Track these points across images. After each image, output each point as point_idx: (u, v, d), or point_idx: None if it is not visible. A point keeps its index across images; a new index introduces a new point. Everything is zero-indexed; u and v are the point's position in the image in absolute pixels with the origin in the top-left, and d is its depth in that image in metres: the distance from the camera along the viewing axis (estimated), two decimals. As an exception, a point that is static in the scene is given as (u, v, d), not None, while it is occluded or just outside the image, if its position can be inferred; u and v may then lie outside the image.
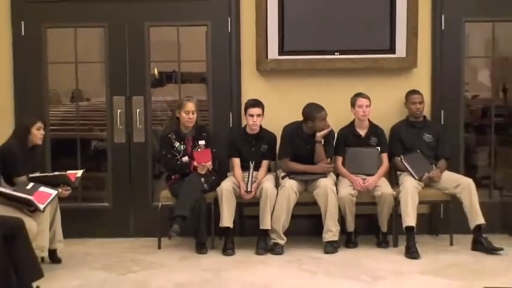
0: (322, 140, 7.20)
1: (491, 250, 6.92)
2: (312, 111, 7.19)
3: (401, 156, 7.30)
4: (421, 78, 7.68)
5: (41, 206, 6.14)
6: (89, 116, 8.09)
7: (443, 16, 7.65)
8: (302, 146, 7.29)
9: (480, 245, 7.00)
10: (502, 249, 6.91)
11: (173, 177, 7.35)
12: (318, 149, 7.21)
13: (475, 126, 8.07)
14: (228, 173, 7.41)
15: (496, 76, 8.01)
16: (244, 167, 7.34)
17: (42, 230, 6.22)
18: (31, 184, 6.37)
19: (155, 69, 7.96)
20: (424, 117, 7.54)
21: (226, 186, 7.13)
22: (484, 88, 8.06)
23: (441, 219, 7.64)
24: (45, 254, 6.44)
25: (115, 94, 7.84)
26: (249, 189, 7.14)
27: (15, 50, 7.75)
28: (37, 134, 6.79)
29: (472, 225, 7.02)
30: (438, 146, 7.45)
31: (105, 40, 7.81)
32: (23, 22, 7.71)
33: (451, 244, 7.27)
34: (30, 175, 6.62)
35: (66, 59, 7.86)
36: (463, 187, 7.09)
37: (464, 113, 7.88)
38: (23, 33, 7.73)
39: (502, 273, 6.26)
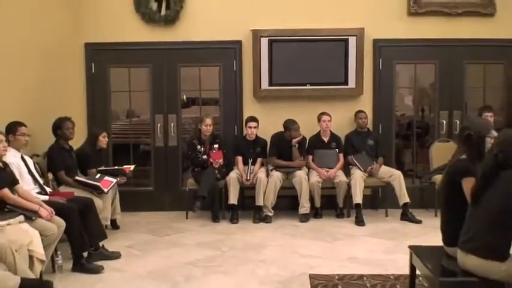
0: (297, 144, 7.23)
1: (414, 220, 6.94)
2: (289, 125, 7.24)
3: (352, 156, 7.32)
4: (365, 102, 7.67)
5: (105, 190, 6.15)
6: (138, 127, 8.06)
7: (380, 60, 7.66)
8: (284, 149, 7.28)
9: (406, 217, 7.02)
10: (421, 221, 6.92)
11: (196, 169, 7.32)
12: (294, 151, 7.23)
13: (402, 135, 8.06)
14: (233, 167, 7.37)
15: (417, 101, 7.99)
16: (245, 163, 7.35)
17: (106, 206, 6.20)
18: (99, 175, 6.37)
19: (184, 96, 7.92)
20: (368, 128, 7.53)
21: (232, 176, 7.13)
22: (409, 109, 8.05)
23: (379, 198, 7.62)
24: (108, 223, 6.39)
25: (156, 113, 7.80)
26: (248, 178, 7.15)
27: (88, 82, 7.71)
28: (103, 140, 6.78)
29: (400, 203, 7.04)
30: (377, 148, 7.46)
31: (150, 75, 7.78)
32: (93, 63, 7.68)
33: (386, 216, 7.27)
34: (98, 168, 6.61)
35: (123, 88, 7.81)
36: (394, 177, 7.11)
37: (395, 126, 7.88)
38: (93, 71, 7.69)
39: (421, 236, 6.27)
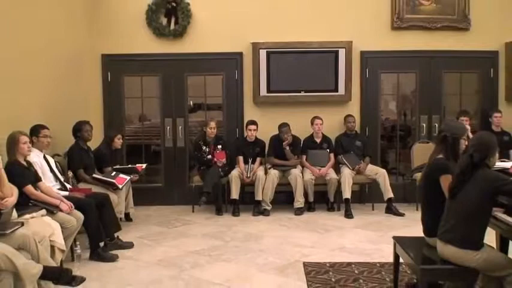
0: (287, 147, 7.22)
1: (397, 213, 6.92)
2: (280, 127, 7.24)
3: (342, 155, 7.29)
4: (353, 107, 7.66)
5: (120, 186, 6.16)
6: (149, 130, 8.03)
7: (367, 69, 7.65)
8: (281, 149, 7.26)
9: (390, 210, 6.99)
10: (403, 214, 6.89)
11: (201, 168, 7.29)
12: (286, 152, 7.23)
13: (387, 136, 8.02)
14: (235, 166, 7.33)
15: (399, 106, 7.96)
16: (245, 162, 7.32)
17: (120, 201, 6.21)
18: (114, 172, 6.37)
19: (191, 101, 7.89)
20: (356, 131, 7.51)
21: (234, 173, 7.10)
22: (392, 113, 8.02)
23: (366, 194, 7.60)
24: (122, 216, 6.39)
25: (166, 117, 7.79)
26: (248, 176, 7.13)
27: (104, 89, 7.70)
28: (118, 142, 6.77)
29: (385, 198, 7.01)
30: (364, 149, 7.43)
31: (160, 83, 7.77)
32: (109, 72, 7.66)
33: (373, 209, 7.26)
34: (114, 167, 6.59)
35: (136, 95, 7.79)
36: (379, 174, 7.09)
37: (380, 129, 7.87)
38: (109, 79, 7.68)
39: (404, 227, 6.26)
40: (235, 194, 7.05)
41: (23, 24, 5.53)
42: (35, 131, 5.27)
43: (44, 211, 4.60)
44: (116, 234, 5.59)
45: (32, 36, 5.71)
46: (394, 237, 4.00)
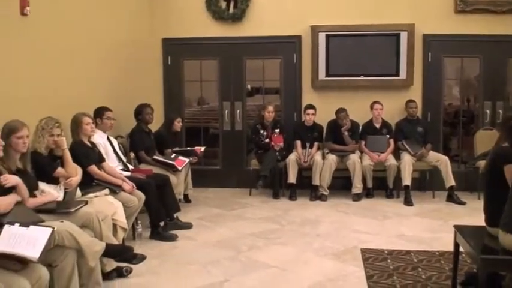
0: (346, 132, 7.17)
1: (459, 202, 6.77)
2: (337, 113, 7.22)
3: (403, 141, 7.18)
4: (415, 92, 7.49)
5: (179, 168, 6.27)
6: (208, 113, 8.15)
7: (430, 53, 7.47)
8: (339, 134, 7.22)
9: (452, 199, 6.85)
10: (465, 202, 6.74)
11: (259, 151, 7.35)
12: (344, 138, 7.18)
13: (449, 123, 7.83)
14: (293, 150, 7.35)
15: (463, 91, 7.75)
16: (303, 146, 7.29)
17: (180, 182, 6.32)
18: (174, 155, 6.50)
19: (249, 85, 7.95)
20: (417, 116, 7.37)
21: (291, 158, 7.12)
22: (455, 99, 7.82)
23: (427, 181, 7.45)
24: (181, 197, 6.51)
25: (224, 100, 7.88)
26: (305, 160, 7.13)
27: (165, 73, 7.86)
28: (177, 124, 6.90)
29: (446, 186, 6.87)
30: (426, 135, 7.28)
31: (219, 67, 7.85)
32: (169, 56, 7.81)
33: (433, 197, 7.10)
34: (173, 149, 6.73)
35: (195, 78, 7.92)
36: (441, 161, 6.94)
37: (443, 115, 7.69)
38: (169, 63, 7.83)
39: (465, 216, 6.11)
40: (292, 178, 7.08)
41: (89, 11, 5.71)
42: (99, 113, 5.46)
43: (107, 190, 4.77)
44: (175, 215, 5.74)
45: (97, 21, 5.89)
46: (455, 226, 3.92)
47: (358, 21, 7.35)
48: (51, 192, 4.07)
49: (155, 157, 6.28)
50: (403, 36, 7.32)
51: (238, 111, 7.86)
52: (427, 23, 7.36)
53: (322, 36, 7.41)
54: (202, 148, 7.05)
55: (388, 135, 7.29)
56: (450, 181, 6.85)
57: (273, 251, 4.97)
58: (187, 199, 6.91)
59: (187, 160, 6.50)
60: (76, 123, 4.91)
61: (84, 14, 5.60)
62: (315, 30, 7.42)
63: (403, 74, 7.40)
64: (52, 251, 3.27)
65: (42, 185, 4.04)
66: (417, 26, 7.33)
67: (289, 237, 5.40)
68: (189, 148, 7.08)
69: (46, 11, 4.77)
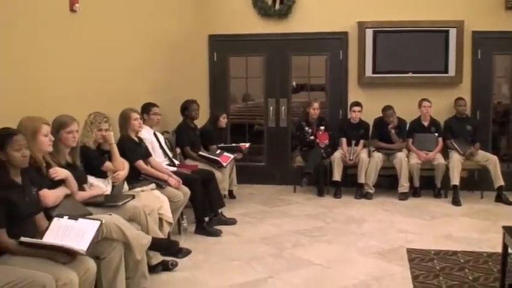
0: (393, 130, 7.06)
1: (508, 202, 6.60)
2: (384, 110, 7.10)
3: (452, 140, 7.02)
4: (464, 90, 7.32)
5: (224, 164, 6.29)
6: (253, 110, 8.16)
7: (479, 50, 7.28)
8: (385, 132, 7.12)
9: (500, 199, 6.67)
10: (515, 202, 6.58)
11: (303, 148, 7.31)
12: (391, 135, 7.07)
13: (499, 122, 7.62)
14: (338, 147, 7.29)
15: (514, 89, 7.56)
16: (348, 144, 7.22)
17: (224, 178, 6.35)
18: (219, 151, 6.55)
19: (294, 82, 7.92)
20: (466, 115, 7.19)
21: (337, 155, 7.07)
22: (505, 97, 7.59)
23: (475, 180, 7.25)
24: (226, 193, 6.53)
25: (269, 97, 7.88)
26: (351, 158, 7.05)
27: (211, 70, 7.91)
28: (223, 121, 6.92)
29: (495, 186, 6.69)
30: (475, 133, 7.10)
31: (264, 64, 7.85)
32: (215, 53, 7.86)
33: (482, 197, 6.92)
34: (218, 145, 6.77)
35: (240, 75, 7.95)
36: (490, 161, 6.76)
37: (492, 113, 7.50)
38: (215, 60, 7.87)
39: (516, 217, 5.94)
40: (337, 176, 7.02)
41: (136, 7, 5.79)
42: (146, 108, 5.54)
43: (153, 185, 4.84)
44: (220, 210, 5.78)
45: (144, 18, 5.97)
46: (504, 227, 3.81)
47: (406, 17, 7.22)
48: (99, 186, 4.15)
49: (200, 153, 6.33)
50: (452, 33, 7.15)
51: (283, 107, 7.85)
52: (477, 19, 7.16)
53: (369, 33, 7.31)
54: (247, 144, 7.06)
55: (436, 134, 7.14)
56: (499, 181, 6.67)
57: (317, 248, 4.94)
58: (231, 195, 6.94)
59: (232, 156, 6.53)
60: (124, 119, 5.00)
61: (131, 10, 5.68)
62: (362, 26, 7.33)
63: (451, 71, 7.23)
64: (100, 243, 3.33)
65: (90, 179, 4.13)
66: (466, 22, 7.15)
67: (334, 235, 5.36)
68: (234, 144, 7.10)
69: (94, 8, 4.86)
